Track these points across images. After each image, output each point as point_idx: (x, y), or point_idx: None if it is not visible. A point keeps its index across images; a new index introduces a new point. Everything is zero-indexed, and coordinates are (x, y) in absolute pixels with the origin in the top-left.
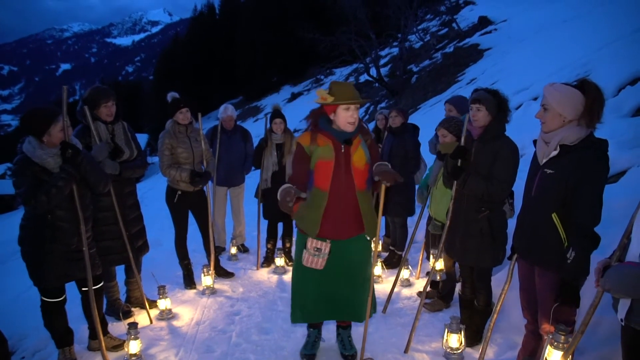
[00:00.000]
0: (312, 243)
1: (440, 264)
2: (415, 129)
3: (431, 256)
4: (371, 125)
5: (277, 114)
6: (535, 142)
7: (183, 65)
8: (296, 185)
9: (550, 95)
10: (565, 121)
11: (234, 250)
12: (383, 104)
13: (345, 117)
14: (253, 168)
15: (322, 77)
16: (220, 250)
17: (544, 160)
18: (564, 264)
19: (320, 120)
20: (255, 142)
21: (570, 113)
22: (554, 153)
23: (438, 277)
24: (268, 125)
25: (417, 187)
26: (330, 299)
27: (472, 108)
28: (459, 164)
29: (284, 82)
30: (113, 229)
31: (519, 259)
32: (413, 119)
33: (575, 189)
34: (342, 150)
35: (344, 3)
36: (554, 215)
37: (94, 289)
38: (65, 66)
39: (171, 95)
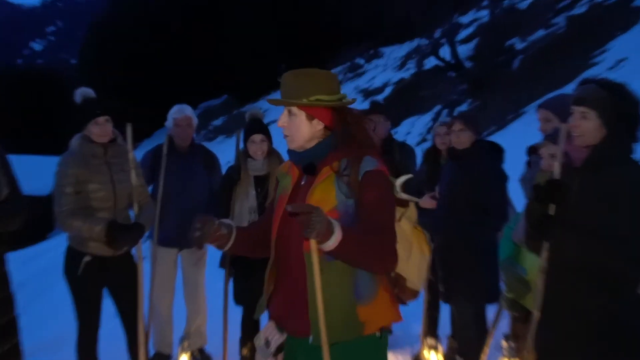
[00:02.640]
0: (266, 330)
1: None
2: (495, 152)
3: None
4: (429, 144)
5: (256, 126)
6: None
7: (129, 46)
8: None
9: None
10: None
11: (185, 358)
12: (464, 106)
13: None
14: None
15: (363, 61)
16: (162, 359)
17: None
18: None
19: None
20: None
21: None
22: None
23: None
24: (241, 146)
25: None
26: None
27: (574, 113)
28: (550, 212)
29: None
30: None
31: None
32: (510, 131)
33: None
34: (303, 182)
35: None
36: None
37: None
38: None
39: (82, 95)
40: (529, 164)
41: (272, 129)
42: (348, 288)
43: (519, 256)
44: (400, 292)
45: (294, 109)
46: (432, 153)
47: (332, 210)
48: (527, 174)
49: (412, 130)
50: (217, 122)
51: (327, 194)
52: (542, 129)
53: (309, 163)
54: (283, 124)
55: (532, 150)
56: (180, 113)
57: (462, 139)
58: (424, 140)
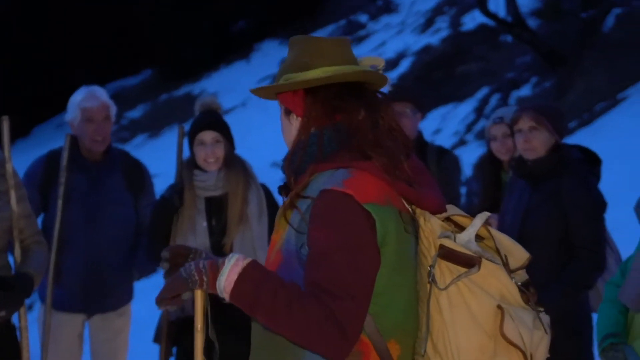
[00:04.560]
0: None
1: None
2: (587, 164)
3: None
4: (469, 148)
5: (206, 119)
6: None
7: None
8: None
9: None
10: None
11: None
12: (526, 89)
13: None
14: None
15: (365, 18)
16: None
17: None
18: None
19: None
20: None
21: None
22: None
23: None
24: (185, 153)
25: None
26: None
27: None
28: None
29: (266, 32)
30: None
31: None
32: (603, 127)
33: None
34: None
35: None
36: None
37: None
38: None
39: None
40: None
41: (236, 125)
42: None
43: (630, 332)
44: None
45: (278, 102)
46: (489, 165)
47: (278, 252)
48: None
49: (444, 127)
50: (134, 112)
51: (282, 229)
52: None
53: (283, 184)
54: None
55: None
56: (93, 100)
57: (534, 143)
58: (462, 142)
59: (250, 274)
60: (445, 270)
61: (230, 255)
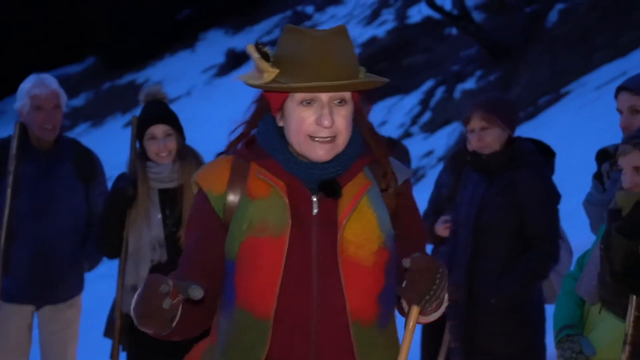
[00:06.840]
0: None
1: None
2: (542, 156)
3: None
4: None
5: (155, 111)
6: None
7: None
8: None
9: None
10: None
11: None
12: (471, 82)
13: (307, 124)
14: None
15: (311, 9)
16: None
17: None
18: None
19: (260, 127)
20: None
21: None
22: None
23: None
24: (138, 144)
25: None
26: None
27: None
28: None
29: (212, 22)
30: None
31: None
32: (547, 120)
33: None
34: (316, 211)
35: None
36: None
37: None
38: None
39: None
40: (597, 177)
41: (181, 114)
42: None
43: (586, 324)
44: None
45: (348, 96)
46: (462, 158)
47: (380, 250)
48: (600, 194)
49: (390, 119)
50: (77, 101)
51: (368, 225)
52: (624, 124)
53: (328, 179)
54: (343, 126)
55: (602, 156)
56: (43, 88)
57: (487, 140)
58: (407, 134)
59: None
60: None
61: None
